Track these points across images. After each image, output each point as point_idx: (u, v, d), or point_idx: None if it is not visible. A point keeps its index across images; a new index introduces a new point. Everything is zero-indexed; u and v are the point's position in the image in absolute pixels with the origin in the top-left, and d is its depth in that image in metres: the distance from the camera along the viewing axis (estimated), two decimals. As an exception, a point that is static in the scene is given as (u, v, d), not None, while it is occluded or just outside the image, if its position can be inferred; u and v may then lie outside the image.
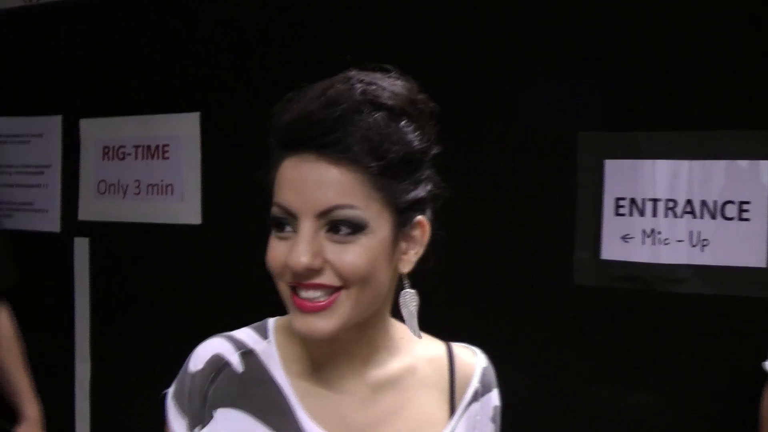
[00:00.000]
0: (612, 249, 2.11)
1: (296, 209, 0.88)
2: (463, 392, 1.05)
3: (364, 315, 0.93)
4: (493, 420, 1.09)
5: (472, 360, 1.09)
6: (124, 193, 2.82)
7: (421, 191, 0.94)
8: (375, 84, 0.92)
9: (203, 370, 0.99)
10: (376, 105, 0.90)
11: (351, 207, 0.87)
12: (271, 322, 1.05)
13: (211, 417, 0.97)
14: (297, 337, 0.99)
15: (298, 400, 0.97)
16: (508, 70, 2.23)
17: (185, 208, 2.70)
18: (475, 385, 1.06)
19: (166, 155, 2.74)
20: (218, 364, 0.99)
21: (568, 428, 2.13)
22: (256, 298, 2.24)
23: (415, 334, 0.99)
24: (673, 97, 2.05)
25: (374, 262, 0.89)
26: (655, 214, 2.07)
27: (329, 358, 0.99)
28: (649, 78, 2.06)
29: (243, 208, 2.53)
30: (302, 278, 0.88)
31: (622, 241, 2.10)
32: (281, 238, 0.90)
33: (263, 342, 1.02)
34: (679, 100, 2.04)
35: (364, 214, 0.88)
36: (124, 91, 2.81)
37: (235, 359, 0.99)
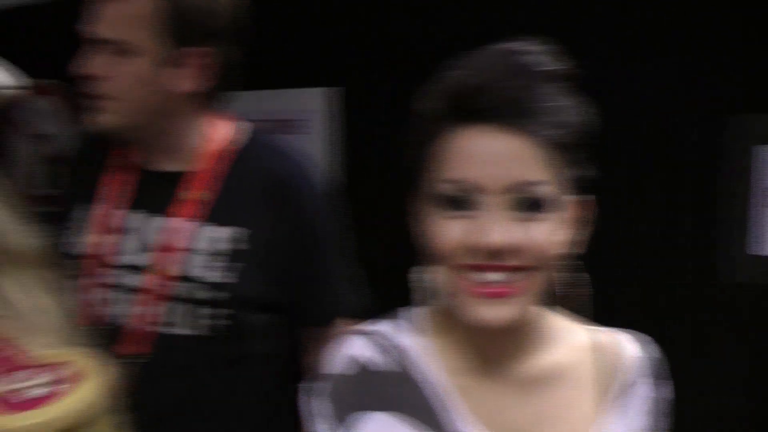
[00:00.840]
0: (760, 244, 1.98)
1: (479, 185, 0.82)
2: (612, 384, 0.97)
3: (536, 300, 0.88)
4: (651, 411, 0.99)
5: (624, 349, 1.00)
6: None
7: (588, 169, 0.88)
8: (545, 54, 0.86)
9: (345, 373, 0.94)
10: (558, 76, 0.85)
11: (540, 182, 0.82)
12: (416, 313, 0.99)
13: (355, 421, 0.92)
14: (450, 328, 0.94)
15: (453, 397, 0.92)
16: (649, 50, 2.09)
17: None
18: (627, 375, 0.98)
19: (297, 129, 2.76)
20: (361, 366, 0.94)
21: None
22: (386, 279, 2.26)
23: (578, 320, 0.95)
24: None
25: (558, 242, 0.84)
26: (809, 206, 1.92)
27: (485, 351, 0.93)
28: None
29: (370, 182, 2.54)
30: (490, 259, 0.82)
31: (772, 235, 1.97)
32: (453, 218, 0.84)
33: (408, 335, 0.96)
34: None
35: (551, 191, 0.83)
36: (253, 66, 2.83)
37: (378, 358, 0.94)
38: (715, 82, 2.02)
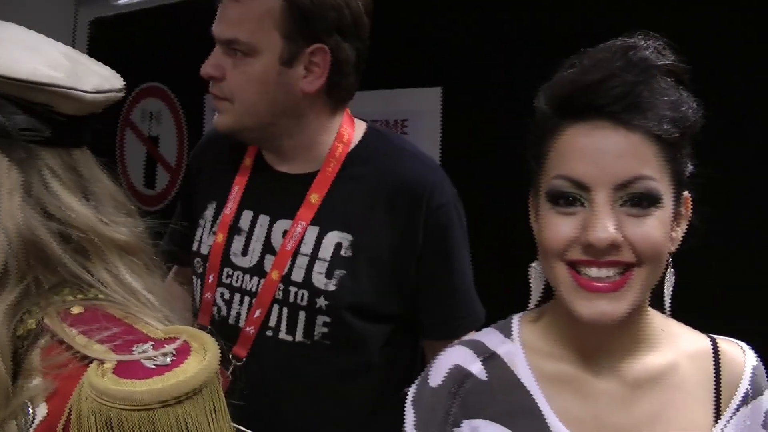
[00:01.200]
0: None
1: (591, 181, 0.83)
2: (732, 394, 0.94)
3: (645, 298, 0.88)
4: (766, 425, 0.96)
5: (741, 358, 0.96)
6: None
7: (691, 165, 0.88)
8: (658, 50, 0.86)
9: (444, 385, 0.95)
10: (670, 72, 0.85)
11: (651, 179, 0.82)
12: (516, 318, 0.99)
13: (456, 429, 0.92)
14: (547, 332, 0.94)
15: (548, 402, 0.91)
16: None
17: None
18: (745, 386, 0.94)
19: (405, 130, 2.73)
20: (459, 376, 0.94)
21: None
22: (499, 279, 2.19)
23: (666, 314, 0.93)
24: None
25: (666, 238, 0.84)
26: None
27: (585, 352, 0.92)
28: None
29: (482, 184, 2.48)
30: (601, 255, 0.82)
31: None
32: (565, 214, 0.85)
33: (508, 342, 0.96)
34: None
35: (661, 187, 0.83)
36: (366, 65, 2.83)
37: (477, 368, 0.94)
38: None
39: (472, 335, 1.00)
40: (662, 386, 0.92)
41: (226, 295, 1.48)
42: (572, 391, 0.91)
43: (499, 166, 2.40)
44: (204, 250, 1.53)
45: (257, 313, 1.42)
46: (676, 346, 0.95)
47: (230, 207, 1.49)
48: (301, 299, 1.39)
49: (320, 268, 1.38)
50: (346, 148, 1.43)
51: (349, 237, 1.38)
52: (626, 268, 0.83)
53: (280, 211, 1.44)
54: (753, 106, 2.01)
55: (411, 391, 0.99)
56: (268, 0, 1.33)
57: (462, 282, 1.47)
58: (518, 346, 0.95)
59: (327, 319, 1.38)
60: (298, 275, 1.40)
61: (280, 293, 1.41)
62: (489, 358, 0.94)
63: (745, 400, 0.94)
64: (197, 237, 1.55)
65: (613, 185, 0.82)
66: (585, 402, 0.91)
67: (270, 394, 1.42)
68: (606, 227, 0.80)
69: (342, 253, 1.38)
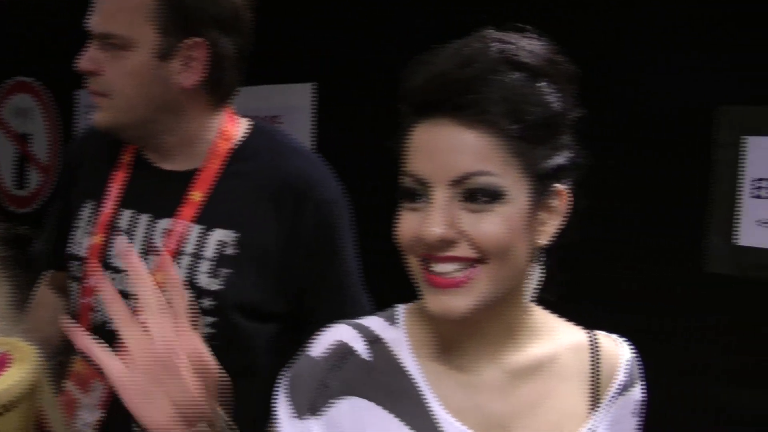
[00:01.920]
0: (749, 235, 1.96)
1: (428, 177, 0.83)
2: (608, 385, 0.97)
3: (502, 292, 0.87)
4: (636, 414, 1.01)
5: (617, 350, 1.00)
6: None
7: (561, 157, 0.87)
8: (512, 43, 0.85)
9: (326, 356, 0.94)
10: (515, 64, 0.84)
11: (488, 174, 0.82)
12: (401, 308, 0.99)
13: (328, 406, 0.92)
14: (429, 322, 0.94)
15: (431, 389, 0.92)
16: (641, 39, 2.07)
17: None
18: (620, 377, 0.98)
19: (279, 126, 2.72)
20: (343, 351, 0.94)
21: (696, 426, 2.02)
22: (369, 277, 2.21)
23: (526, 305, 0.94)
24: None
25: (513, 233, 0.83)
26: (798, 198, 1.91)
27: (464, 342, 0.93)
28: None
29: (356, 180, 2.49)
30: (436, 250, 0.83)
31: (760, 227, 1.94)
32: (413, 210, 0.85)
33: (392, 329, 0.96)
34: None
35: (502, 181, 0.82)
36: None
37: (360, 346, 0.94)
38: (705, 73, 2.01)
39: (358, 320, 0.99)
40: (542, 375, 0.94)
41: None
42: (454, 379, 0.93)
43: (372, 163, 2.43)
44: (80, 252, 1.47)
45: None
46: (556, 338, 0.97)
47: (109, 206, 1.45)
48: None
49: (204, 267, 1.36)
50: (229, 145, 1.41)
51: (234, 235, 1.36)
52: (470, 264, 0.83)
53: (161, 209, 1.41)
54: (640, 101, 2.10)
55: (290, 370, 0.98)
56: None
57: (349, 280, 1.45)
58: (403, 334, 0.95)
59: (213, 319, 1.34)
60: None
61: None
62: (374, 341, 0.95)
63: (621, 390, 0.98)
64: (72, 238, 1.49)
65: (448, 181, 0.82)
66: (466, 390, 0.92)
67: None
68: (435, 223, 0.81)
69: (227, 251, 1.35)
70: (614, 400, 0.97)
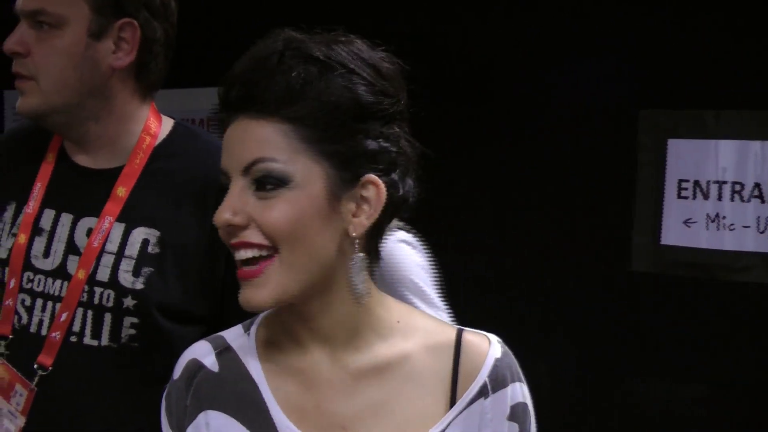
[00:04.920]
0: (673, 234, 2.02)
1: (227, 169, 0.86)
2: (467, 386, 0.92)
3: (307, 281, 0.87)
4: (514, 418, 0.94)
5: (485, 349, 0.94)
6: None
7: (369, 146, 0.86)
8: (302, 39, 0.88)
9: (181, 377, 0.96)
10: (302, 57, 0.86)
11: (271, 160, 0.83)
12: (262, 313, 0.98)
13: (190, 423, 0.94)
14: (276, 324, 0.95)
15: (272, 393, 0.92)
16: (565, 44, 2.12)
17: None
18: (483, 378, 0.92)
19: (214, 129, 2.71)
20: (193, 368, 0.95)
21: (618, 419, 2.08)
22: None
23: (357, 300, 0.90)
24: (743, 73, 1.92)
25: (301, 219, 0.84)
26: (720, 198, 1.97)
27: (305, 342, 0.92)
28: (717, 52, 1.94)
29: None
30: (229, 236, 0.85)
31: (684, 226, 2.01)
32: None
33: (243, 336, 0.97)
34: (749, 76, 1.92)
35: (287, 168, 0.84)
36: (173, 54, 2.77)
37: (210, 360, 0.95)
38: (629, 78, 2.06)
39: (217, 333, 1.01)
40: (389, 376, 0.92)
41: (27, 302, 1.38)
42: (297, 381, 0.93)
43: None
44: (2, 254, 1.44)
45: (63, 317, 1.34)
46: (413, 337, 0.94)
47: (32, 206, 1.40)
48: (107, 300, 1.33)
49: (127, 266, 1.32)
50: (154, 141, 1.39)
51: (157, 233, 1.32)
52: (267, 254, 0.85)
53: (84, 208, 1.37)
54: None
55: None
56: None
57: None
58: (252, 339, 0.97)
59: (134, 320, 1.31)
60: (103, 274, 1.33)
61: (85, 295, 1.34)
62: (224, 351, 0.96)
63: (484, 392, 0.92)
64: None
65: (239, 170, 0.84)
66: (308, 391, 0.92)
67: (77, 405, 1.36)
68: (223, 209, 0.84)
69: (149, 249, 1.32)
70: (474, 403, 0.92)
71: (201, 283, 1.36)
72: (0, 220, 1.43)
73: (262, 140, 0.84)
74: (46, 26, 1.29)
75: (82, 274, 1.32)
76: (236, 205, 0.84)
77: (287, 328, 0.94)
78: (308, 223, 0.85)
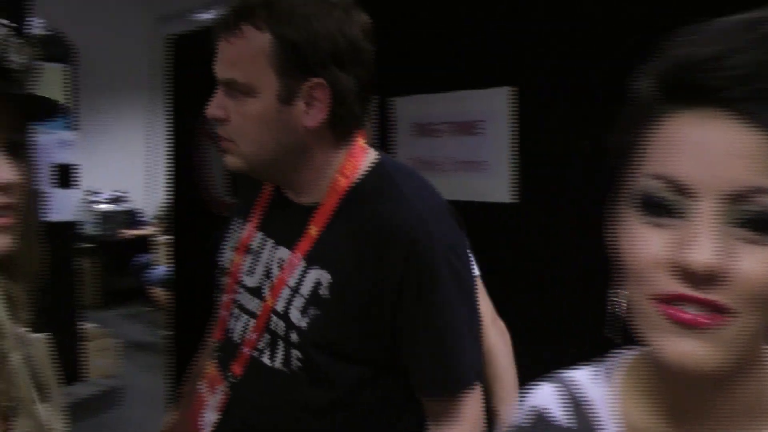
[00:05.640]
0: None
1: (696, 184, 0.62)
2: None
3: (748, 351, 0.66)
4: None
5: None
6: (438, 170, 2.79)
7: None
8: None
9: (522, 426, 0.84)
10: None
11: None
12: (621, 357, 0.82)
13: None
14: (644, 381, 0.77)
15: None
16: None
17: (497, 185, 2.59)
18: None
19: (479, 131, 2.65)
20: (541, 419, 0.82)
21: None
22: (575, 286, 2.08)
23: None
24: None
25: None
26: None
27: (680, 416, 0.73)
28: None
29: (560, 187, 2.37)
30: (693, 286, 0.62)
31: None
32: (657, 226, 0.65)
33: (603, 388, 0.80)
34: None
35: None
36: (435, 68, 2.76)
37: (560, 413, 0.81)
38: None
39: (567, 372, 0.85)
40: None
41: (235, 312, 1.51)
42: None
43: (578, 170, 2.29)
44: (226, 264, 1.58)
45: (253, 334, 1.44)
46: None
47: (248, 227, 1.54)
48: (281, 330, 1.40)
49: (298, 303, 1.37)
50: (348, 182, 1.40)
51: (329, 278, 1.35)
52: (716, 311, 0.62)
53: (283, 238, 1.45)
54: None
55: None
56: (259, 38, 1.31)
57: (446, 339, 1.36)
58: (613, 395, 0.79)
59: (298, 353, 1.37)
60: (280, 306, 1.40)
61: (269, 318, 1.42)
62: (578, 405, 0.81)
63: None
64: (222, 253, 1.61)
65: (723, 195, 0.62)
66: None
67: (255, 417, 1.43)
68: (706, 249, 0.61)
69: (320, 292, 1.36)
70: None
71: (366, 329, 1.35)
72: (231, 235, 1.58)
73: (755, 159, 0.61)
74: (240, 94, 1.34)
75: (270, 300, 1.40)
76: (722, 245, 0.62)
77: (671, 392, 0.74)
78: None
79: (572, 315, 2.20)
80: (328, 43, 1.31)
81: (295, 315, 1.37)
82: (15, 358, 1.06)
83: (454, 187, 2.74)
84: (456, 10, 2.68)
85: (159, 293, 7.07)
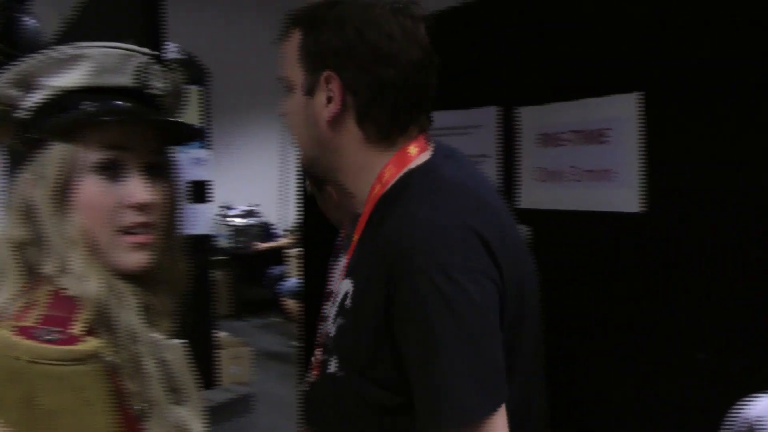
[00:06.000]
0: None
1: None
2: None
3: None
4: None
5: None
6: (563, 180, 2.75)
7: None
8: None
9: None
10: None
11: None
12: None
13: None
14: None
15: None
16: None
17: (625, 194, 2.52)
18: None
19: (605, 139, 2.58)
20: (750, 428, 0.85)
21: None
22: (707, 295, 1.99)
23: None
24: None
25: None
26: None
27: None
28: None
29: (690, 196, 2.28)
30: None
31: None
32: None
33: None
34: None
35: None
36: (559, 76, 2.72)
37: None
38: None
39: None
40: None
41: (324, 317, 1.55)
42: None
43: (710, 175, 2.20)
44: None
45: (321, 339, 1.48)
46: None
47: (340, 241, 1.62)
48: (325, 336, 1.43)
49: (333, 311, 1.40)
50: (382, 190, 1.37)
51: (352, 287, 1.34)
52: None
53: (347, 246, 1.48)
54: None
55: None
56: (294, 36, 1.40)
57: (428, 371, 1.20)
58: None
59: (336, 361, 1.37)
60: (325, 312, 1.46)
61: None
62: None
63: None
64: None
65: None
66: None
67: (318, 416, 1.46)
68: None
69: (346, 302, 1.34)
70: None
71: (375, 347, 1.29)
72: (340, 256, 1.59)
73: None
74: (288, 91, 1.43)
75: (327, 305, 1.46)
76: None
77: None
78: None
79: (705, 328, 2.11)
80: (338, 39, 1.35)
81: (330, 323, 1.40)
82: (149, 363, 1.11)
83: (580, 197, 2.69)
84: (578, 18, 2.63)
85: (291, 304, 7.26)
